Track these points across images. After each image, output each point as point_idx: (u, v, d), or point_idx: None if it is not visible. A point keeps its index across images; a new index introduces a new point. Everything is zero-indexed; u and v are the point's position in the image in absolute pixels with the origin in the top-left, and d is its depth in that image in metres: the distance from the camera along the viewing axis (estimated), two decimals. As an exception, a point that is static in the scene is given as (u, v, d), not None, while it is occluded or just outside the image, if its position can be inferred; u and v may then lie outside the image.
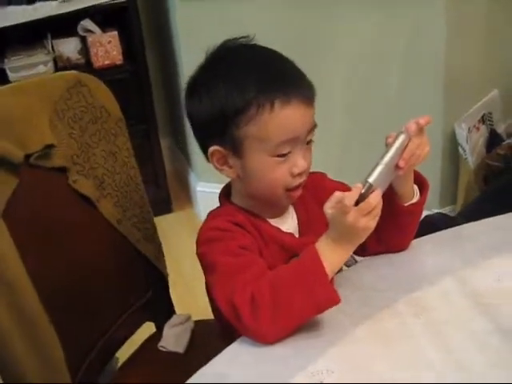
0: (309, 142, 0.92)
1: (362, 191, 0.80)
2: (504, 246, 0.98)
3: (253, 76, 0.88)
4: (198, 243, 0.93)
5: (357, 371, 0.76)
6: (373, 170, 0.82)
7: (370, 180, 0.80)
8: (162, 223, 2.33)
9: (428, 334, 0.81)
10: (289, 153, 0.89)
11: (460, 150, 2.27)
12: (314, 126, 0.92)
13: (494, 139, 2.36)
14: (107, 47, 2.49)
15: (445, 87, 2.25)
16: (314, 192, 0.98)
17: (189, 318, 1.32)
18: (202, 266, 0.92)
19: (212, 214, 0.98)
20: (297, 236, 0.98)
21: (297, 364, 0.77)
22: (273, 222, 0.97)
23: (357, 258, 1.02)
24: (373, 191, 0.80)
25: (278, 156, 0.88)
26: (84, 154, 1.14)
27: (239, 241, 0.89)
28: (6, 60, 2.40)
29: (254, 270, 0.84)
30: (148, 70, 2.62)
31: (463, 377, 0.73)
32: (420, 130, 0.88)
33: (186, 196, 2.81)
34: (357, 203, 0.79)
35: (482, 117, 2.37)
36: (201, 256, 0.92)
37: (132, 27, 2.54)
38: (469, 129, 2.26)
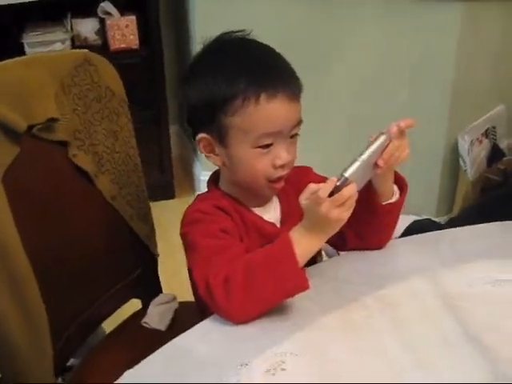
0: (293, 136, 0.96)
1: (337, 184, 0.83)
2: (480, 253, 1.02)
3: (242, 69, 0.92)
4: (182, 223, 0.97)
5: (318, 356, 0.79)
6: (350, 165, 0.85)
7: (346, 174, 0.84)
8: (164, 208, 2.39)
9: (392, 329, 0.84)
10: (271, 145, 0.93)
11: (461, 161, 2.30)
12: (300, 121, 0.96)
13: (495, 153, 2.38)
14: (124, 31, 2.54)
15: (451, 99, 2.28)
16: (297, 185, 1.01)
17: (174, 298, 1.37)
18: (183, 245, 0.96)
19: (199, 198, 1.02)
20: (278, 226, 1.02)
21: (262, 344, 0.80)
22: (256, 210, 1.01)
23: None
24: (348, 185, 0.84)
25: (261, 147, 0.92)
26: (86, 130, 1.18)
27: (220, 224, 0.93)
28: (24, 35, 2.45)
29: (231, 253, 0.88)
30: (163, 57, 2.66)
31: (422, 374, 0.77)
32: (401, 132, 0.91)
33: (190, 184, 2.85)
34: (332, 195, 0.83)
35: (486, 130, 2.40)
36: (183, 236, 0.96)
37: (150, 13, 2.58)
38: (471, 141, 2.29)
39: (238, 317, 0.85)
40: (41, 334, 1.06)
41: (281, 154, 0.93)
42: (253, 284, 0.84)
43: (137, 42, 2.56)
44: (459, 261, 0.99)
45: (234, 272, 0.84)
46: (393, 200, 1.00)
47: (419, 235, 1.08)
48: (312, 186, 0.84)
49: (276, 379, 0.75)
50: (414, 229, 1.48)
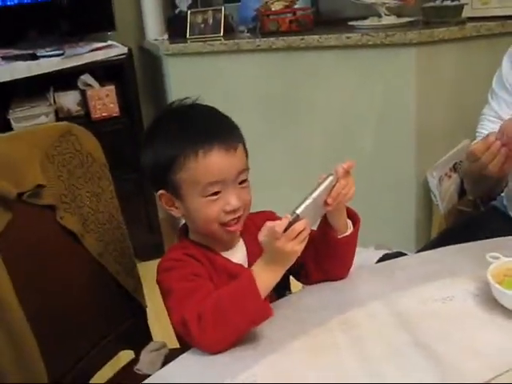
0: (242, 182, 1.08)
1: (290, 220, 0.94)
2: (430, 275, 1.12)
3: (182, 132, 1.07)
4: (158, 272, 1.09)
5: (286, 373, 0.89)
6: (301, 203, 0.96)
7: (297, 211, 0.95)
8: (154, 266, 2.47)
9: (351, 346, 0.94)
10: (219, 192, 1.05)
11: (432, 196, 2.43)
12: (245, 168, 1.09)
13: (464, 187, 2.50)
14: (105, 100, 2.69)
15: (416, 138, 2.43)
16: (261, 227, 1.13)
17: (164, 345, 1.45)
18: (160, 291, 1.08)
19: (171, 248, 1.15)
20: (246, 266, 1.13)
21: (236, 369, 0.90)
22: (224, 254, 1.13)
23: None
24: (299, 220, 0.94)
25: (210, 195, 1.05)
26: (71, 194, 1.30)
27: (191, 269, 1.05)
28: (10, 111, 2.60)
29: (202, 293, 0.99)
30: (142, 122, 2.80)
31: (373, 380, 0.86)
32: (346, 172, 1.03)
33: (178, 240, 2.94)
34: (285, 231, 0.94)
35: (454, 165, 2.53)
36: (159, 283, 1.08)
37: (128, 82, 2.75)
38: (440, 177, 2.41)
39: (212, 348, 0.95)
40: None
41: (229, 199, 1.06)
42: (222, 318, 0.94)
43: (117, 109, 2.71)
44: (411, 284, 1.10)
45: (205, 308, 0.95)
46: (347, 233, 1.11)
47: (376, 264, 1.19)
48: (269, 224, 0.95)
49: (248, 397, 0.84)
50: (384, 261, 1.58)
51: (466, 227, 1.71)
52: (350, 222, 1.11)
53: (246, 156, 1.11)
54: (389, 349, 0.93)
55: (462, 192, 2.53)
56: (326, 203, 1.01)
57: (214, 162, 1.04)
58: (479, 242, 1.23)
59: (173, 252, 1.12)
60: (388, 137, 2.45)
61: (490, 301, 1.01)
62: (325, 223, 1.08)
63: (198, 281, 1.03)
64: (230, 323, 0.94)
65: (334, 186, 1.01)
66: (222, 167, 1.04)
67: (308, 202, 0.96)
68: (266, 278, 0.96)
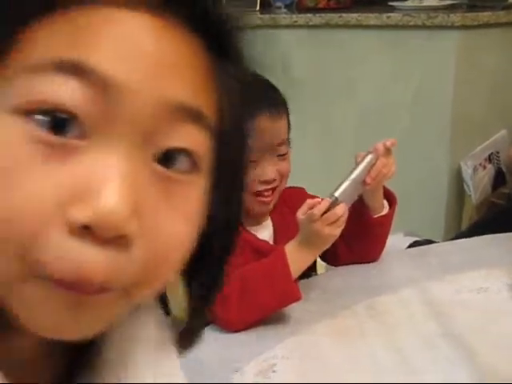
0: (281, 155, 1.02)
1: (329, 203, 0.90)
2: (465, 264, 1.07)
3: None
4: None
5: (308, 358, 0.85)
6: (339, 185, 0.93)
7: (336, 194, 0.91)
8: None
9: (379, 334, 0.89)
10: (255, 161, 0.99)
11: (465, 186, 2.35)
12: (284, 140, 1.03)
13: (499, 178, 2.43)
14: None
15: (452, 126, 2.34)
16: (291, 204, 1.08)
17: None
18: None
19: None
20: (271, 243, 1.08)
21: (255, 349, 0.86)
22: (251, 229, 1.07)
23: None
24: (338, 204, 0.91)
25: None
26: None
27: None
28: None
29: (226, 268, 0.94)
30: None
31: (403, 372, 0.81)
32: (387, 150, 0.98)
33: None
34: (324, 214, 0.90)
35: (490, 156, 2.45)
36: None
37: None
38: (474, 167, 2.34)
39: (234, 325, 0.91)
40: None
41: (265, 169, 1.00)
42: (248, 293, 0.90)
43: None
44: (445, 272, 1.04)
45: (231, 283, 0.90)
46: (383, 213, 1.06)
47: (409, 249, 1.14)
48: (309, 201, 0.92)
49: (267, 380, 0.80)
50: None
51: (498, 219, 1.65)
52: (385, 202, 1.06)
53: (289, 129, 1.05)
54: (418, 338, 0.88)
55: (496, 184, 2.45)
56: (364, 182, 0.97)
57: (256, 125, 0.97)
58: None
59: None
60: (423, 122, 2.37)
61: (526, 294, 0.96)
62: (360, 202, 1.03)
63: None
64: (256, 303, 0.90)
65: (373, 165, 0.97)
66: (262, 132, 0.98)
67: (347, 183, 0.93)
68: (298, 259, 0.92)
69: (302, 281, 1.03)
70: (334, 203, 0.91)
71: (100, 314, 0.32)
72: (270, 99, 1.01)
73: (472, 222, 2.16)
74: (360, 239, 1.06)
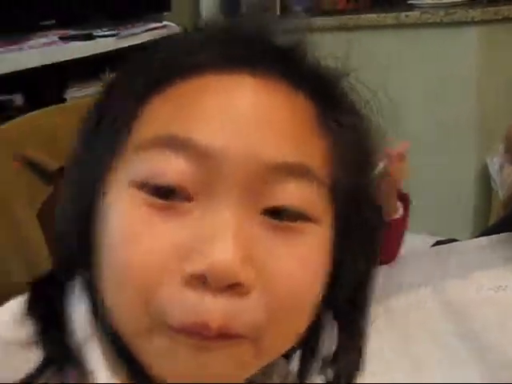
0: None
1: None
2: (485, 262, 1.06)
3: None
4: None
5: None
6: None
7: None
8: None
9: (392, 333, 0.89)
10: None
11: (492, 182, 2.32)
12: None
13: (527, 174, 2.39)
14: (158, 80, 2.68)
15: (477, 122, 2.32)
16: None
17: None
18: None
19: None
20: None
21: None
22: None
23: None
24: None
25: None
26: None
27: None
28: (67, 91, 2.62)
29: None
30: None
31: (411, 370, 0.81)
32: (401, 155, 0.97)
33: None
34: None
35: (516, 151, 2.41)
36: None
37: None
38: (501, 163, 2.30)
39: None
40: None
41: None
42: None
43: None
44: (463, 270, 1.03)
45: None
46: (397, 216, 1.05)
47: (429, 248, 1.13)
48: None
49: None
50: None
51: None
52: (400, 205, 1.05)
53: None
54: (431, 337, 0.88)
55: (524, 179, 2.42)
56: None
57: None
58: (538, 229, 1.15)
59: None
60: (447, 120, 2.35)
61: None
62: None
63: None
64: None
65: (384, 173, 0.94)
66: None
67: None
68: None
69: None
70: None
71: (226, 360, 0.33)
72: None
73: (498, 218, 2.13)
74: None
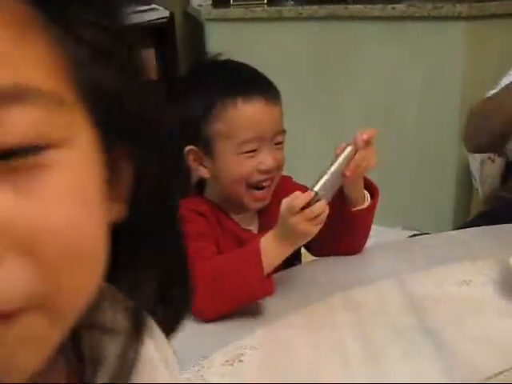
0: (278, 144, 1.01)
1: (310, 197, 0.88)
2: (449, 256, 1.05)
3: (218, 80, 1.00)
4: None
5: (276, 349, 0.83)
6: (318, 179, 0.90)
7: (316, 189, 0.89)
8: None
9: (352, 326, 0.88)
10: (255, 150, 0.98)
11: (473, 180, 2.31)
12: (282, 130, 1.02)
13: (509, 172, 2.38)
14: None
15: (461, 118, 2.30)
16: (276, 193, 1.06)
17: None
18: None
19: (180, 203, 1.08)
20: (256, 233, 1.07)
21: (225, 339, 0.85)
22: (235, 217, 1.06)
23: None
24: (318, 200, 0.88)
25: (245, 153, 0.98)
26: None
27: (196, 228, 0.98)
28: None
29: (202, 255, 0.93)
30: (181, 88, 2.76)
31: (372, 364, 0.80)
32: (367, 142, 0.95)
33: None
34: (304, 208, 0.87)
35: (499, 149, 2.40)
36: None
37: (168, 47, 2.70)
38: (482, 160, 2.29)
39: (205, 314, 0.90)
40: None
41: (265, 159, 0.98)
42: (219, 284, 0.88)
43: (155, 73, 2.67)
44: (427, 264, 1.02)
45: (203, 271, 0.89)
46: (364, 206, 1.04)
47: (394, 242, 1.12)
48: (296, 193, 0.89)
49: (233, 370, 0.79)
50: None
51: (500, 212, 1.61)
52: (367, 194, 1.04)
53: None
54: (393, 331, 0.86)
55: (504, 178, 2.41)
56: (343, 174, 0.94)
57: (254, 112, 0.97)
58: (507, 225, 1.14)
59: (181, 208, 1.06)
60: (431, 114, 2.34)
61: (510, 288, 0.93)
62: (340, 194, 1.00)
63: (200, 242, 0.96)
64: (226, 294, 0.89)
65: (352, 157, 0.94)
66: (260, 120, 0.98)
67: (326, 177, 0.91)
68: (272, 252, 0.89)
69: (281, 272, 1.02)
70: (313, 198, 0.88)
71: (20, 343, 0.28)
72: (264, 86, 1.00)
73: (475, 214, 2.13)
74: (340, 232, 1.04)
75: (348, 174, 0.94)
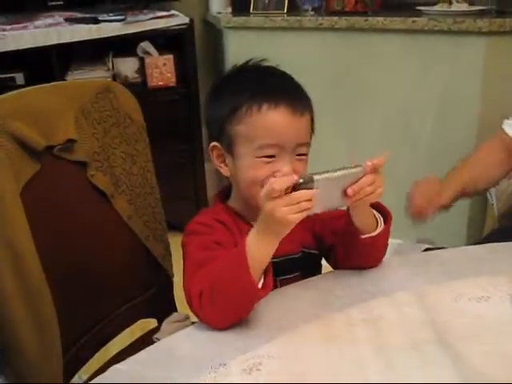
0: (300, 155, 1.01)
1: (300, 181, 0.82)
2: (468, 271, 1.04)
3: (249, 84, 1.02)
4: (184, 234, 1.03)
5: (294, 359, 0.83)
6: (321, 173, 0.85)
7: (315, 177, 0.83)
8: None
9: (369, 338, 0.87)
10: (273, 156, 0.98)
11: (488, 195, 2.30)
12: (306, 142, 1.02)
13: (524, 189, 2.37)
14: (162, 69, 2.67)
15: (478, 133, 2.30)
16: None
17: (187, 317, 1.42)
18: (182, 254, 1.02)
19: (202, 211, 1.09)
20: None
21: (242, 347, 0.85)
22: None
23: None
24: (308, 188, 0.82)
25: (263, 157, 0.98)
26: (104, 153, 1.27)
27: (216, 236, 0.99)
28: (69, 72, 2.61)
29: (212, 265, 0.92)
30: (199, 94, 2.77)
31: (389, 377, 0.80)
32: (374, 169, 0.91)
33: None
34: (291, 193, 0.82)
35: (515, 166, 2.39)
36: (182, 245, 1.02)
37: (187, 53, 2.72)
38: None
39: (212, 324, 0.90)
40: (52, 341, 1.12)
41: (283, 167, 0.97)
42: (216, 293, 0.87)
43: (174, 79, 2.69)
44: (446, 278, 1.02)
45: (205, 284, 0.89)
46: (374, 234, 1.01)
47: (412, 256, 1.12)
48: (279, 177, 0.87)
49: (251, 378, 0.79)
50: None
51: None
52: (381, 219, 1.02)
53: (312, 132, 1.04)
54: (410, 344, 0.86)
55: (521, 194, 2.40)
56: (345, 193, 0.90)
57: (277, 119, 0.97)
58: (527, 242, 1.13)
59: (203, 215, 1.06)
60: (448, 129, 2.33)
61: (528, 305, 0.93)
62: (349, 220, 1.00)
63: (217, 251, 0.96)
64: (223, 299, 0.87)
65: (359, 179, 0.90)
66: (283, 129, 0.97)
67: (328, 175, 0.85)
68: (257, 249, 0.85)
69: (297, 282, 1.02)
70: (306, 183, 0.82)
71: None
72: (294, 95, 1.00)
73: (491, 230, 2.11)
74: (354, 255, 1.03)
75: (350, 192, 0.90)
